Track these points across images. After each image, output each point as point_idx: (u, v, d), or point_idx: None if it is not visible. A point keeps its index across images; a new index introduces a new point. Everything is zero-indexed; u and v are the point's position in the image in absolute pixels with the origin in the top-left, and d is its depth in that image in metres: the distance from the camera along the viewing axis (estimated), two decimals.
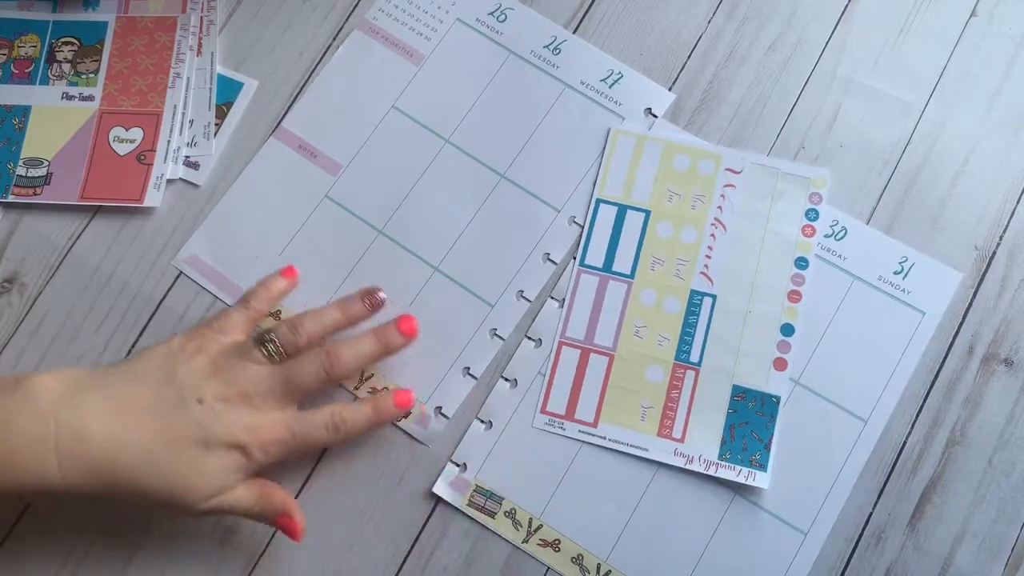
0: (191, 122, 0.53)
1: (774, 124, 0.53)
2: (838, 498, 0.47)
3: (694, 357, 0.48)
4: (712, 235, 0.50)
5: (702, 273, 0.49)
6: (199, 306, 0.51)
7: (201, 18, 0.55)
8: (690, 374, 0.48)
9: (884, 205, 0.51)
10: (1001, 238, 0.51)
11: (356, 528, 0.48)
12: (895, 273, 0.50)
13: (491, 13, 0.55)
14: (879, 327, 0.49)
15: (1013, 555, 0.47)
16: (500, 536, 0.47)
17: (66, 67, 0.53)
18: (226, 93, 0.54)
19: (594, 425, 0.48)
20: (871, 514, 0.48)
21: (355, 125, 0.53)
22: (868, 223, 0.51)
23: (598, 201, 0.51)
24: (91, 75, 0.53)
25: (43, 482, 0.39)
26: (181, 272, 0.51)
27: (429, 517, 0.48)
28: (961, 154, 0.52)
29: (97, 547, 0.47)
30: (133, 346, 0.50)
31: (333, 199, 0.52)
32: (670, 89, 0.53)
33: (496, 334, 0.50)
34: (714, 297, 0.49)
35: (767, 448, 0.47)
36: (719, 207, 0.50)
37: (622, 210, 0.51)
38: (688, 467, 0.47)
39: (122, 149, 0.52)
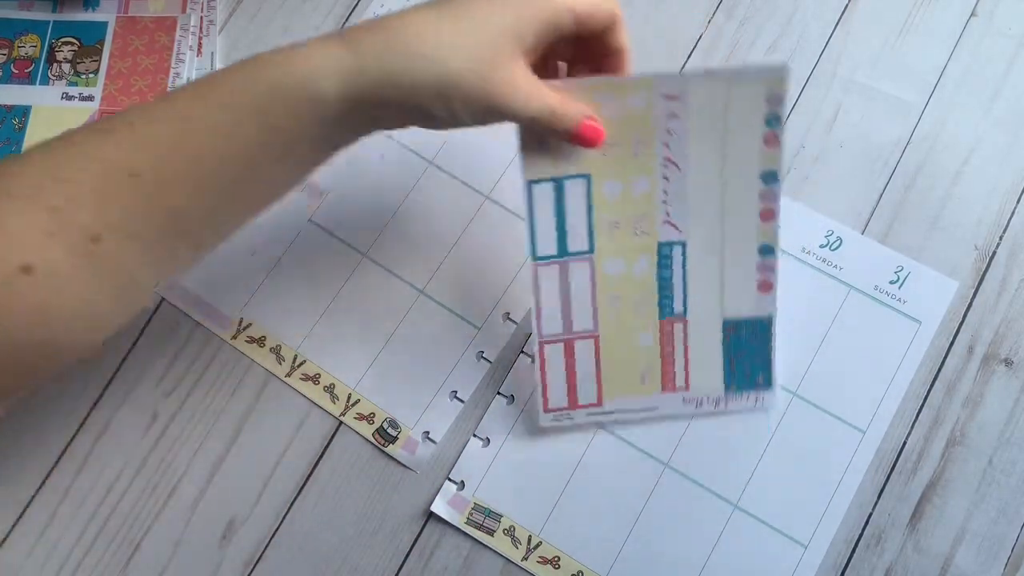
0: None
1: None
2: (838, 510, 0.47)
3: (678, 308, 0.47)
4: (665, 178, 0.44)
5: (666, 223, 0.45)
6: (186, 326, 0.51)
7: (201, 18, 0.55)
8: (678, 326, 0.47)
9: (884, 205, 0.51)
10: (1001, 238, 0.51)
11: (353, 538, 0.48)
12: (891, 283, 0.50)
13: None
14: (876, 337, 0.49)
15: (1013, 555, 0.47)
16: (499, 554, 0.47)
17: (66, 67, 0.53)
18: None
19: (599, 404, 0.48)
20: (871, 514, 0.48)
21: None
22: (868, 223, 0.51)
23: (529, 183, 0.43)
24: (91, 75, 0.53)
25: (331, 63, 0.34)
26: (163, 299, 0.51)
27: (421, 531, 0.48)
28: (961, 154, 0.52)
29: (97, 547, 0.47)
30: (124, 358, 0.50)
31: (316, 223, 0.52)
32: None
33: (483, 356, 0.50)
34: (683, 244, 0.46)
35: (769, 367, 0.47)
36: (665, 144, 0.43)
37: (559, 184, 0.43)
38: (699, 411, 0.47)
39: None
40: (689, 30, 0.54)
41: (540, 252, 0.45)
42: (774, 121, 0.42)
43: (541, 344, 0.47)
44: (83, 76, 0.53)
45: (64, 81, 0.53)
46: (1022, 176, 0.52)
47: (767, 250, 0.45)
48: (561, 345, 0.47)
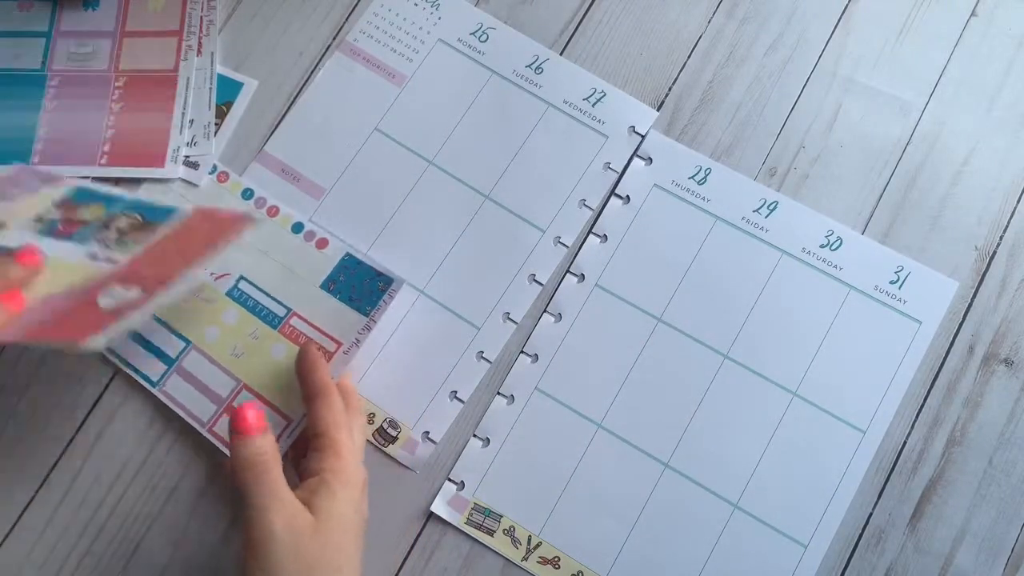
0: (191, 122, 0.53)
1: (774, 124, 0.53)
2: (838, 510, 0.47)
3: (281, 313, 0.50)
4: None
5: (218, 278, 0.50)
6: None
7: (201, 18, 0.55)
8: (294, 321, 0.49)
9: (884, 206, 0.51)
10: (1001, 238, 0.51)
11: None
12: (891, 283, 0.50)
13: (473, 33, 0.54)
14: (876, 337, 0.49)
15: (1013, 555, 0.47)
16: (499, 554, 0.47)
17: (113, 234, 0.46)
18: (226, 93, 0.54)
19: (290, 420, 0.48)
20: (871, 514, 0.48)
21: (338, 148, 0.53)
22: (868, 224, 0.51)
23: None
24: (130, 244, 0.46)
25: None
26: None
27: (421, 531, 0.48)
28: (961, 154, 0.52)
29: (97, 547, 0.47)
30: None
31: (316, 223, 0.51)
32: (670, 89, 0.53)
33: (483, 357, 0.50)
34: (240, 278, 0.50)
35: (379, 274, 0.49)
36: None
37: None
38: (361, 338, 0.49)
39: (105, 302, 0.42)
40: (689, 30, 0.54)
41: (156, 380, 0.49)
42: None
43: (212, 432, 0.48)
44: (122, 244, 0.46)
45: (102, 244, 0.46)
46: (1022, 176, 0.52)
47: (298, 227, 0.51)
48: (225, 417, 0.48)
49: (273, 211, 0.51)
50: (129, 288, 0.41)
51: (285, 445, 0.47)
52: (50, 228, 0.47)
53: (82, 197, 0.49)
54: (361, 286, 0.49)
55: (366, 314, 0.49)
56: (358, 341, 0.48)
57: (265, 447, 0.40)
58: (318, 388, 0.44)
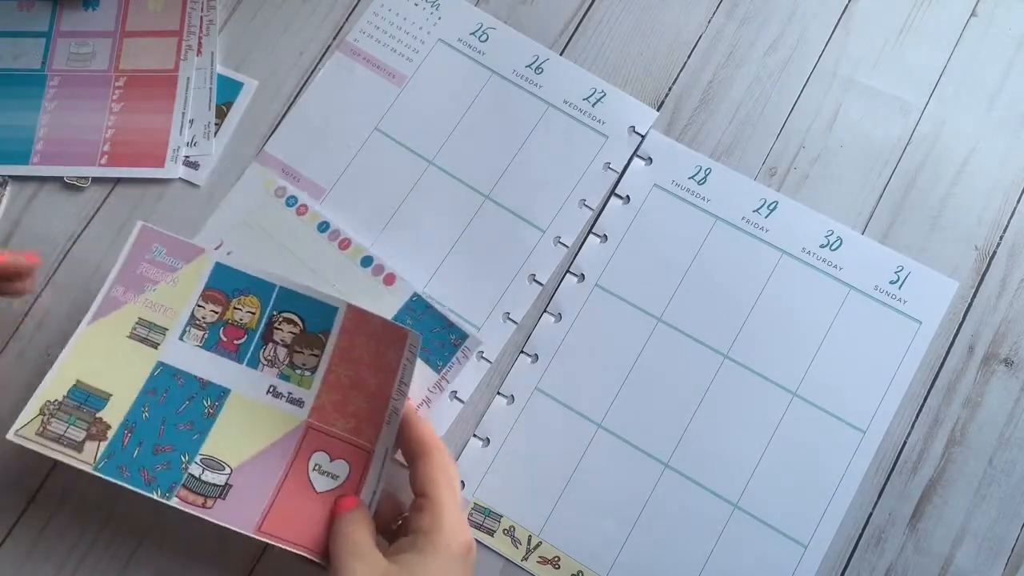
0: (191, 122, 0.53)
1: (774, 124, 0.53)
2: (838, 510, 0.47)
3: None
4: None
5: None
6: None
7: (201, 18, 0.55)
8: None
9: (884, 206, 0.51)
10: (1001, 238, 0.51)
11: None
12: (891, 283, 0.50)
13: (473, 33, 0.54)
14: (876, 337, 0.49)
15: (1013, 555, 0.47)
16: (499, 554, 0.47)
17: (282, 352, 0.45)
18: (226, 93, 0.54)
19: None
20: (871, 514, 0.48)
21: (338, 148, 0.53)
22: (868, 224, 0.51)
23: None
24: (307, 372, 0.45)
25: None
26: None
27: None
28: (961, 154, 0.52)
29: (97, 547, 0.47)
30: None
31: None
32: (670, 89, 0.53)
33: (483, 357, 0.50)
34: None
35: (451, 326, 0.48)
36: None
37: None
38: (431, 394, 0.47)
39: (320, 484, 0.43)
40: (689, 30, 0.54)
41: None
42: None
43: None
44: (298, 371, 0.45)
45: (276, 371, 0.45)
46: (1022, 176, 0.52)
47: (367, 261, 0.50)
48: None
49: (345, 244, 0.50)
50: (334, 460, 0.43)
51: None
52: (213, 340, 0.45)
53: (225, 281, 0.46)
54: (430, 335, 0.47)
55: (436, 370, 0.46)
56: (428, 401, 0.45)
57: (355, 517, 0.42)
58: (416, 447, 0.42)
